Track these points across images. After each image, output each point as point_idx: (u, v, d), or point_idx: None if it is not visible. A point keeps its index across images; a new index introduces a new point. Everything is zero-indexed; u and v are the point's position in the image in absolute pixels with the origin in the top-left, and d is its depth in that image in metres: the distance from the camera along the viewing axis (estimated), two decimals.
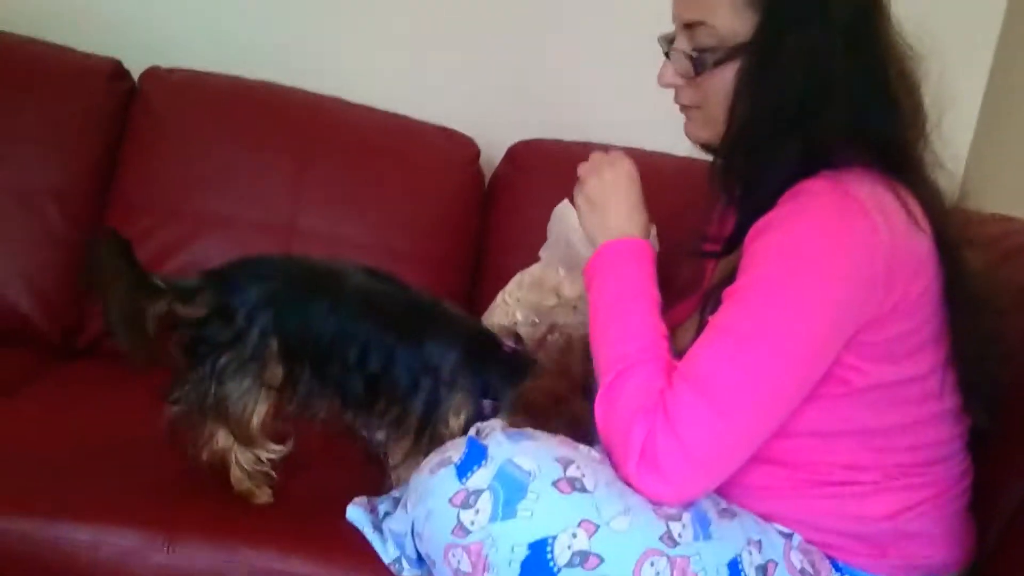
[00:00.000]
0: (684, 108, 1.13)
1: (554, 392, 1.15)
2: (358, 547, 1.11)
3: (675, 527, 0.96)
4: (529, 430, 1.03)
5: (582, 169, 1.16)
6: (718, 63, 1.05)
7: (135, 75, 1.77)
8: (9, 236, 1.62)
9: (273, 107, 1.76)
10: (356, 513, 1.15)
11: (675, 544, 0.95)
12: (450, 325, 1.19)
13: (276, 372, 1.12)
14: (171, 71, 1.77)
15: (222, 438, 1.12)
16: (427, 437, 1.14)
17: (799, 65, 1.01)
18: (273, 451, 1.15)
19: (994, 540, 1.09)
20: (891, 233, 0.96)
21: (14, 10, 1.81)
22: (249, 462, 1.14)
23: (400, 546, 1.07)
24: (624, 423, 0.98)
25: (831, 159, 1.00)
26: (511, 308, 1.33)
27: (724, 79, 1.05)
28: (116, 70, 1.75)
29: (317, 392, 1.15)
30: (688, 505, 1.00)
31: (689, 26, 1.07)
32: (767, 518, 1.04)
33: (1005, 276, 1.25)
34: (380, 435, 1.18)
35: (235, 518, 1.14)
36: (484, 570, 0.94)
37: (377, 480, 1.22)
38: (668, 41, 1.12)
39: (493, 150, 1.87)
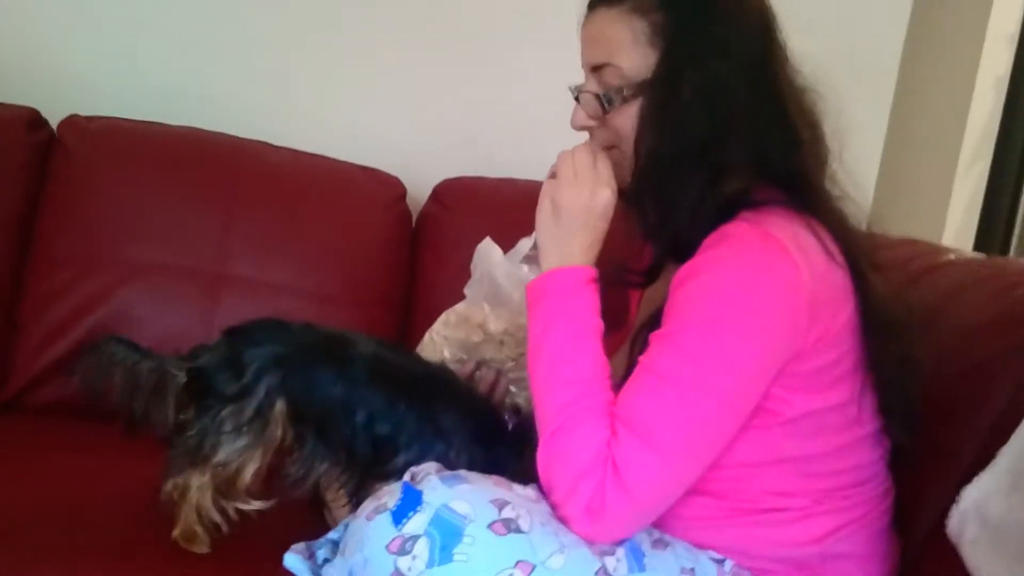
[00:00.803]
0: (607, 149, 1.15)
1: None
2: None
3: (610, 562, 0.98)
4: (463, 472, 1.04)
5: (563, 167, 1.11)
6: (624, 100, 1.08)
7: (53, 124, 1.74)
8: None
9: (196, 152, 1.75)
10: (294, 561, 1.13)
11: None
12: (461, 398, 1.22)
13: (276, 432, 1.13)
14: (90, 119, 1.75)
15: (196, 478, 1.12)
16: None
17: (699, 100, 1.04)
18: (253, 506, 1.14)
19: (913, 555, 1.13)
20: (811, 271, 0.99)
21: None
22: (210, 510, 1.13)
23: None
24: (571, 479, 0.99)
25: (747, 199, 1.03)
26: (439, 345, 1.35)
27: (632, 116, 1.08)
28: (34, 119, 1.72)
29: (320, 454, 1.15)
30: (623, 539, 1.02)
31: (596, 69, 1.10)
32: (700, 546, 1.07)
33: (915, 297, 1.31)
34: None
35: (174, 570, 1.12)
36: None
37: (315, 524, 1.21)
38: (578, 88, 1.15)
39: (419, 189, 1.89)
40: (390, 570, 0.94)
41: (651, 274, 1.11)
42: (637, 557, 1.00)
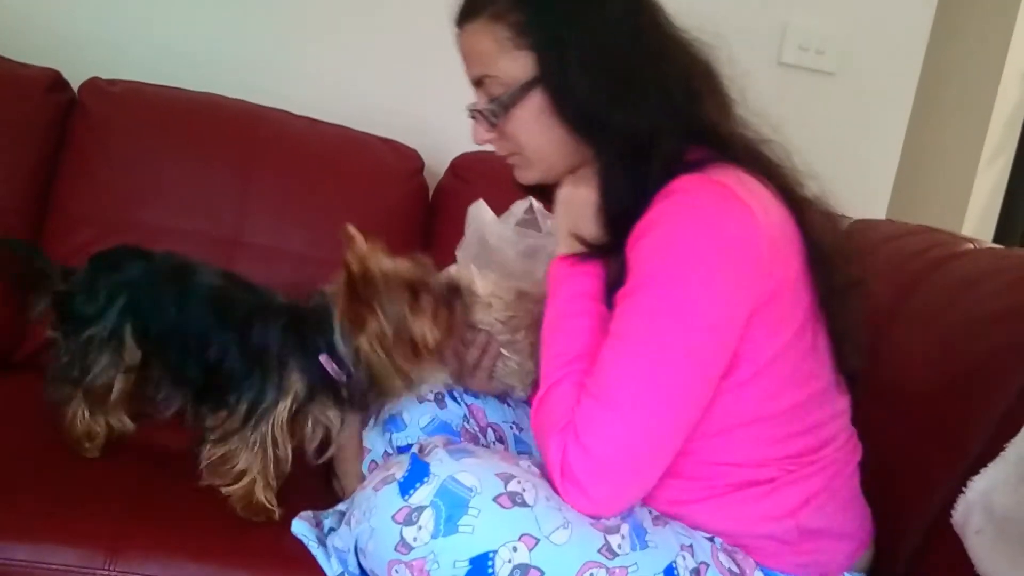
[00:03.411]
0: (507, 160, 1.17)
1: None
2: (303, 561, 1.12)
3: (614, 539, 0.98)
4: (470, 446, 1.05)
5: None
6: (511, 105, 1.09)
7: (75, 86, 1.75)
8: None
9: (216, 119, 1.76)
10: (301, 527, 1.15)
11: (614, 556, 0.97)
12: (273, 307, 1.24)
13: (135, 354, 1.22)
14: (112, 82, 1.75)
15: (76, 401, 1.23)
16: (253, 422, 1.17)
17: (588, 78, 1.05)
18: (128, 425, 1.25)
19: (917, 544, 1.13)
20: (764, 211, 1.00)
21: None
22: (89, 422, 1.24)
23: (343, 562, 1.08)
24: (544, 442, 1.02)
25: (681, 161, 1.03)
26: None
27: (525, 120, 1.09)
28: (55, 81, 1.72)
29: (165, 378, 1.22)
30: (626, 516, 1.02)
31: (478, 84, 1.12)
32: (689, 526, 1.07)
33: (930, 285, 1.30)
34: (210, 421, 1.21)
35: (178, 534, 1.14)
36: None
37: (323, 495, 1.22)
38: (471, 107, 1.15)
39: (437, 162, 1.89)
40: (395, 540, 0.96)
41: (606, 247, 1.11)
42: (639, 534, 1.01)
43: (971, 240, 1.41)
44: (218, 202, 1.69)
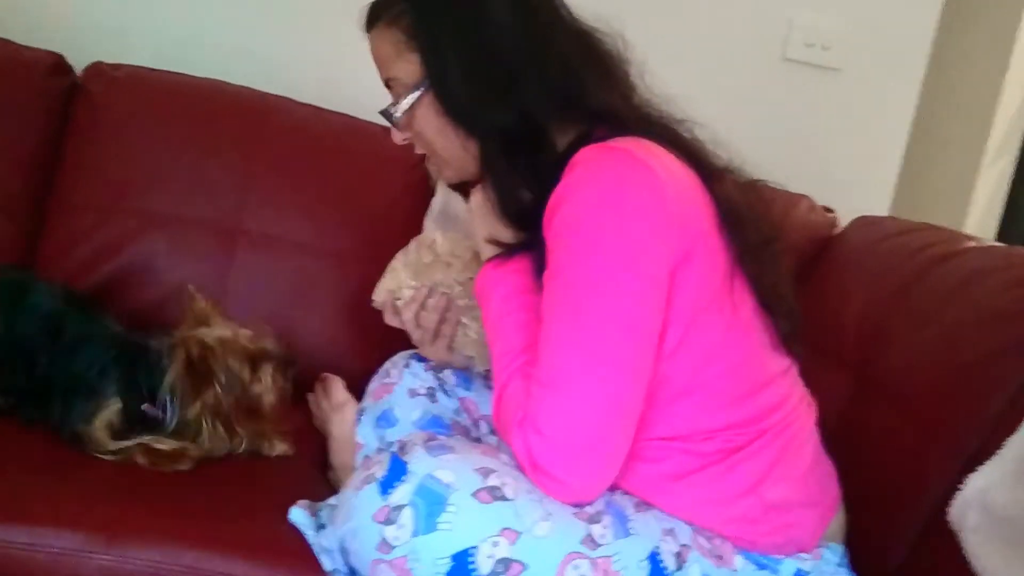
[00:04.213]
0: (426, 160, 1.21)
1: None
2: (300, 549, 1.12)
3: (596, 529, 0.99)
4: (450, 441, 1.05)
5: None
6: (409, 107, 1.13)
7: (78, 70, 1.74)
8: None
9: (220, 105, 1.75)
10: (299, 515, 1.16)
11: (596, 546, 0.98)
12: (106, 337, 1.30)
13: None
14: (115, 67, 1.74)
15: None
16: (67, 435, 1.24)
17: (464, 77, 1.08)
18: None
19: (913, 540, 1.13)
20: (667, 172, 1.01)
21: None
22: None
23: (332, 559, 1.08)
24: (508, 440, 1.03)
25: (583, 142, 1.05)
26: (398, 273, 1.34)
27: (423, 120, 1.13)
28: (58, 64, 1.72)
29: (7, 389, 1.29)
30: (609, 504, 1.02)
31: (388, 88, 1.16)
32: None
33: (930, 283, 1.30)
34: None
35: (177, 519, 1.14)
36: None
37: (319, 486, 1.23)
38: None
39: None
40: (377, 540, 0.96)
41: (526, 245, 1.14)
42: (622, 521, 1.02)
43: (973, 238, 1.42)
44: (220, 188, 1.68)
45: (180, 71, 1.77)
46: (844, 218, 1.75)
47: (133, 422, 1.24)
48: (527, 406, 1.00)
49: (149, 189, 1.66)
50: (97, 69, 1.74)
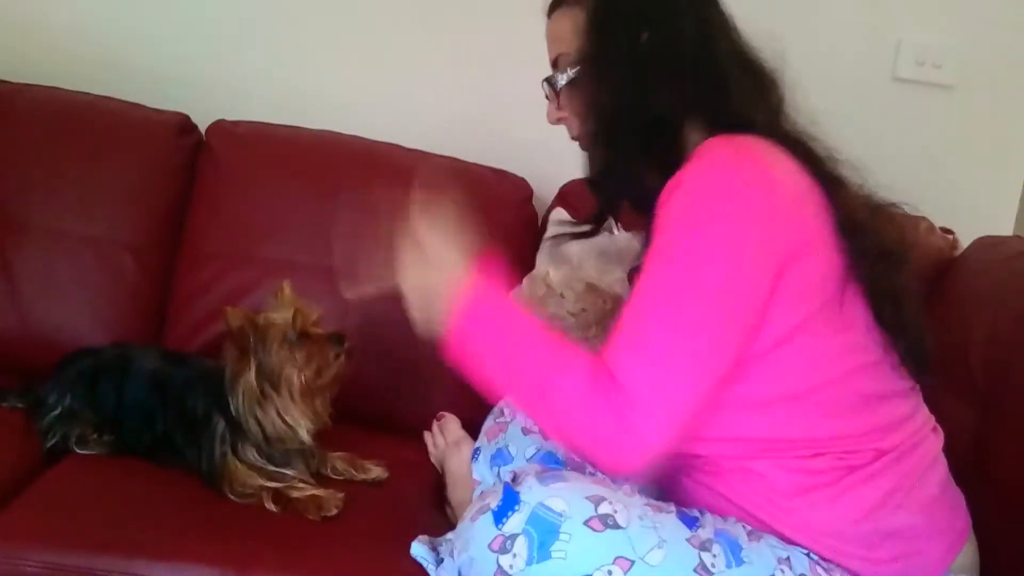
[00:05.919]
0: (576, 140, 1.23)
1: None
2: None
3: (707, 557, 0.98)
4: (562, 471, 1.05)
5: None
6: (569, 80, 1.17)
7: (202, 128, 1.85)
8: (89, 286, 1.70)
9: (333, 155, 1.82)
10: (420, 550, 1.18)
11: (709, 574, 0.97)
12: (201, 377, 1.38)
13: (86, 430, 1.39)
14: (236, 123, 1.84)
15: None
16: (204, 475, 1.31)
17: (633, 64, 1.12)
18: None
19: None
20: (785, 172, 1.03)
21: (89, 69, 1.92)
22: None
23: None
24: (579, 426, 1.00)
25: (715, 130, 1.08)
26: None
27: (582, 97, 1.17)
28: (184, 124, 1.83)
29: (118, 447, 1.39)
30: (719, 532, 1.02)
31: (554, 65, 1.20)
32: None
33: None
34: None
35: (302, 555, 1.18)
36: None
37: (439, 522, 1.25)
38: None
39: (546, 190, 1.91)
40: (493, 568, 0.98)
41: (597, 220, 1.23)
42: (734, 550, 1.00)
43: None
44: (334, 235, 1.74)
45: (295, 124, 1.85)
46: (964, 241, 1.69)
47: (236, 431, 1.31)
48: (615, 373, 0.98)
49: (270, 238, 1.74)
50: (219, 126, 1.84)
